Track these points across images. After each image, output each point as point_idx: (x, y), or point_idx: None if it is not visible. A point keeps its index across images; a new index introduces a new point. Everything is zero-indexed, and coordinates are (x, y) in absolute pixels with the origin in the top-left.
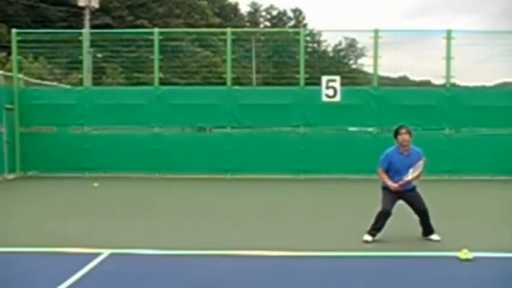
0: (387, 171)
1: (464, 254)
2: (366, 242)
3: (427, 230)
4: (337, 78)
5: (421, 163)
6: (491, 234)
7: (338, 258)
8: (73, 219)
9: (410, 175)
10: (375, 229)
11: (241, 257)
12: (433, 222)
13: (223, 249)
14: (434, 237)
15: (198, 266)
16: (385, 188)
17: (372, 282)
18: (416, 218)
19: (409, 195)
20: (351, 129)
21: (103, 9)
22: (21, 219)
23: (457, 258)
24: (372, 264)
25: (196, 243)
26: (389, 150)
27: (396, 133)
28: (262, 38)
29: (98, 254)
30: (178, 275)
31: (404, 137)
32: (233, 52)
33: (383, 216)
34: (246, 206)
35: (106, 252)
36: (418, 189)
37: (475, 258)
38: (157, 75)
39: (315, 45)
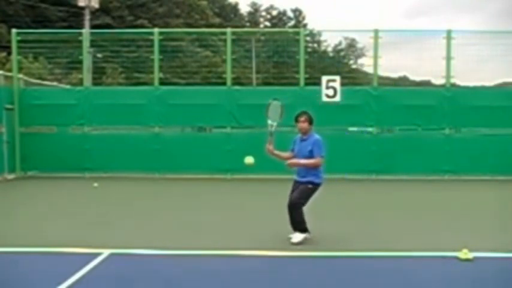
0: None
1: (464, 254)
2: (290, 240)
3: (293, 225)
4: (337, 78)
5: (313, 161)
6: (491, 234)
7: (338, 258)
8: (73, 219)
9: (302, 160)
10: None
11: (241, 257)
12: (433, 221)
13: (223, 249)
14: (293, 237)
15: (197, 265)
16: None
17: (371, 282)
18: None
19: (299, 186)
20: (351, 129)
21: (103, 9)
22: (21, 219)
23: (457, 258)
24: (371, 264)
25: (196, 243)
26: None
27: (296, 120)
28: (262, 38)
29: (98, 254)
30: (178, 275)
31: (301, 125)
32: (233, 52)
33: (288, 210)
34: (246, 206)
35: (106, 252)
36: (311, 188)
37: (475, 258)
38: (157, 75)
39: (315, 45)
